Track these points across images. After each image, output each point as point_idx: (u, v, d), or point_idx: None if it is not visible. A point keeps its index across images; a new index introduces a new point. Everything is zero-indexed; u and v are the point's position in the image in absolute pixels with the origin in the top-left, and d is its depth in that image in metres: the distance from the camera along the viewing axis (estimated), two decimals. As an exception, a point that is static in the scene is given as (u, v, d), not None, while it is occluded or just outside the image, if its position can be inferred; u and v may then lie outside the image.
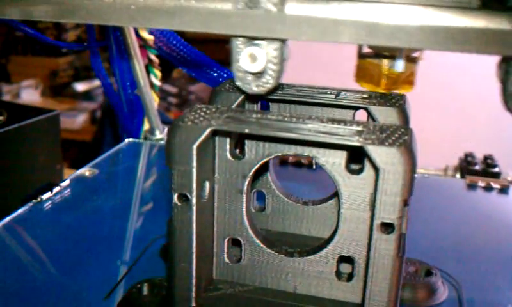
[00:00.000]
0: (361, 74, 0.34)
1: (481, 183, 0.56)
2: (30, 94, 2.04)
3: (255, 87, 0.28)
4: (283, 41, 0.26)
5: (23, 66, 2.17)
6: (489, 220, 0.49)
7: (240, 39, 0.26)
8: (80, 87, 2.13)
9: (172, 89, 1.99)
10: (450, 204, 0.52)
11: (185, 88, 2.00)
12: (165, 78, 1.98)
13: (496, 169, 0.61)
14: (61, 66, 2.17)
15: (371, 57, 0.33)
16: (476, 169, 0.62)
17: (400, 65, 0.32)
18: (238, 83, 0.28)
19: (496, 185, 0.55)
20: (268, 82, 0.27)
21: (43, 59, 2.18)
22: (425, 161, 0.57)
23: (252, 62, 0.27)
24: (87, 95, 2.11)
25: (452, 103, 1.26)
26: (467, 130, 1.24)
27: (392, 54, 0.32)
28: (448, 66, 1.22)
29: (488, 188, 0.55)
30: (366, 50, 0.34)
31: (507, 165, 0.63)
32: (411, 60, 0.33)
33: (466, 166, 0.62)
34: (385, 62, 0.33)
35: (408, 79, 0.33)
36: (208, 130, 0.27)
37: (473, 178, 0.57)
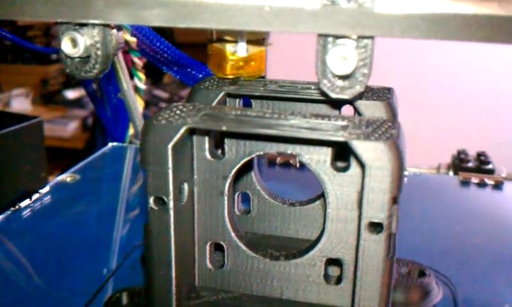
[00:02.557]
0: (211, 60, 0.33)
1: (475, 180, 0.55)
2: (21, 103, 2.03)
3: (83, 73, 0.28)
4: (105, 25, 0.27)
5: (13, 74, 2.15)
6: (483, 218, 0.48)
7: (65, 25, 0.26)
8: (71, 94, 2.12)
9: (163, 95, 1.98)
10: (443, 201, 0.51)
11: (176, 93, 1.99)
12: (156, 83, 1.98)
13: (490, 166, 0.60)
14: (51, 74, 2.16)
15: (217, 42, 0.32)
16: (469, 166, 0.60)
17: (242, 49, 0.32)
18: (67, 70, 0.28)
19: (490, 181, 0.54)
20: (94, 67, 0.27)
21: (33, 67, 2.17)
22: (417, 159, 0.56)
23: (73, 47, 0.26)
24: (78, 102, 2.10)
25: (444, 100, 1.25)
26: (459, 127, 1.23)
27: (235, 38, 0.32)
28: (440, 64, 1.22)
29: (482, 184, 0.54)
30: (215, 35, 0.33)
31: (500, 162, 0.62)
32: (259, 44, 0.32)
33: (459, 164, 0.61)
34: (228, 47, 0.32)
35: (257, 64, 0.33)
36: (183, 129, 0.25)
37: (466, 174, 0.56)
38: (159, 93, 1.97)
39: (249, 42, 0.32)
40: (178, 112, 0.26)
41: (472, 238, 0.44)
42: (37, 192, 0.47)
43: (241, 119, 0.26)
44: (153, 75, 1.90)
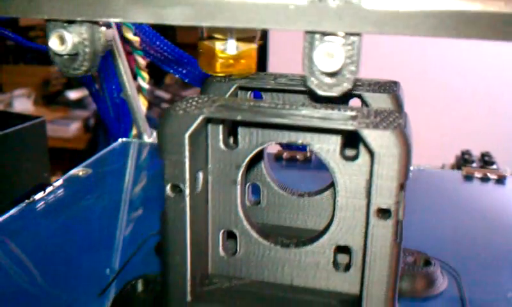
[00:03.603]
0: (201, 58, 0.33)
1: (478, 174, 0.56)
2: (22, 104, 2.03)
3: (71, 70, 0.28)
4: (93, 23, 0.27)
5: (15, 75, 2.15)
6: (486, 211, 0.49)
7: (53, 22, 0.26)
8: (73, 95, 2.12)
9: (165, 95, 1.99)
10: (448, 195, 0.52)
11: (178, 94, 2.00)
12: (158, 84, 1.98)
13: (494, 167, 0.60)
14: (53, 75, 2.15)
15: (207, 40, 0.33)
16: (473, 167, 0.61)
17: (232, 47, 0.32)
18: (56, 67, 0.28)
19: (493, 176, 0.55)
20: (82, 64, 0.28)
21: (35, 67, 2.17)
22: (420, 159, 0.57)
23: (60, 44, 0.27)
24: (80, 103, 2.10)
25: (448, 100, 1.26)
26: (463, 127, 1.24)
27: (224, 36, 0.32)
28: (443, 63, 1.22)
29: (485, 179, 0.55)
30: (205, 33, 0.33)
31: (504, 162, 0.62)
32: (249, 41, 0.33)
33: (463, 164, 0.62)
34: (218, 45, 0.32)
35: (247, 62, 0.33)
36: (200, 118, 0.26)
37: (469, 169, 0.57)
38: (160, 93, 1.97)
39: (238, 40, 0.32)
40: (194, 103, 0.27)
41: (475, 230, 0.45)
42: (51, 185, 0.48)
43: (255, 110, 0.27)
44: (155, 75, 1.91)
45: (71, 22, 0.26)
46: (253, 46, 0.33)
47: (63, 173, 0.53)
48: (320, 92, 0.25)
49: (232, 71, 0.33)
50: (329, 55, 0.24)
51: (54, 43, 0.27)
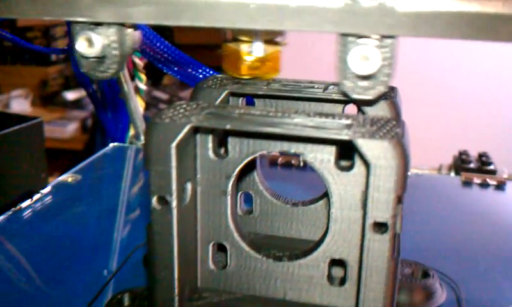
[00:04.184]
0: (226, 60, 0.32)
1: (477, 180, 0.54)
2: (20, 104, 2.02)
3: (98, 74, 0.27)
4: (121, 25, 0.26)
5: (12, 75, 2.15)
6: (486, 218, 0.48)
7: (80, 24, 0.26)
8: (71, 96, 2.12)
9: (163, 96, 1.98)
10: (446, 202, 0.51)
11: (176, 94, 1.99)
12: (156, 84, 1.98)
13: (491, 167, 0.60)
14: (51, 75, 2.15)
15: (232, 42, 0.31)
16: (471, 167, 0.60)
17: (259, 49, 0.31)
18: (82, 70, 0.27)
19: (492, 182, 0.54)
20: (110, 67, 0.27)
21: (33, 68, 2.17)
22: (418, 160, 0.56)
23: (89, 46, 0.26)
24: (77, 104, 2.09)
25: (445, 100, 1.25)
26: (461, 127, 1.23)
27: (250, 38, 0.31)
28: (441, 64, 1.22)
29: (484, 185, 0.54)
30: (229, 35, 0.32)
31: (502, 163, 0.61)
32: (275, 44, 0.32)
33: (460, 164, 0.61)
34: (244, 47, 0.31)
35: (272, 64, 0.32)
36: (187, 127, 0.25)
37: (468, 174, 0.56)
38: (158, 94, 1.97)
39: (264, 42, 0.31)
40: (181, 110, 0.26)
41: (474, 238, 0.44)
42: (38, 192, 0.47)
43: (245, 118, 0.25)
44: (153, 76, 1.90)
45: (98, 24, 0.25)
46: (278, 48, 0.32)
47: (60, 174, 0.52)
48: (355, 95, 0.24)
49: (258, 73, 0.32)
50: (365, 58, 0.23)
51: (81, 46, 0.26)
